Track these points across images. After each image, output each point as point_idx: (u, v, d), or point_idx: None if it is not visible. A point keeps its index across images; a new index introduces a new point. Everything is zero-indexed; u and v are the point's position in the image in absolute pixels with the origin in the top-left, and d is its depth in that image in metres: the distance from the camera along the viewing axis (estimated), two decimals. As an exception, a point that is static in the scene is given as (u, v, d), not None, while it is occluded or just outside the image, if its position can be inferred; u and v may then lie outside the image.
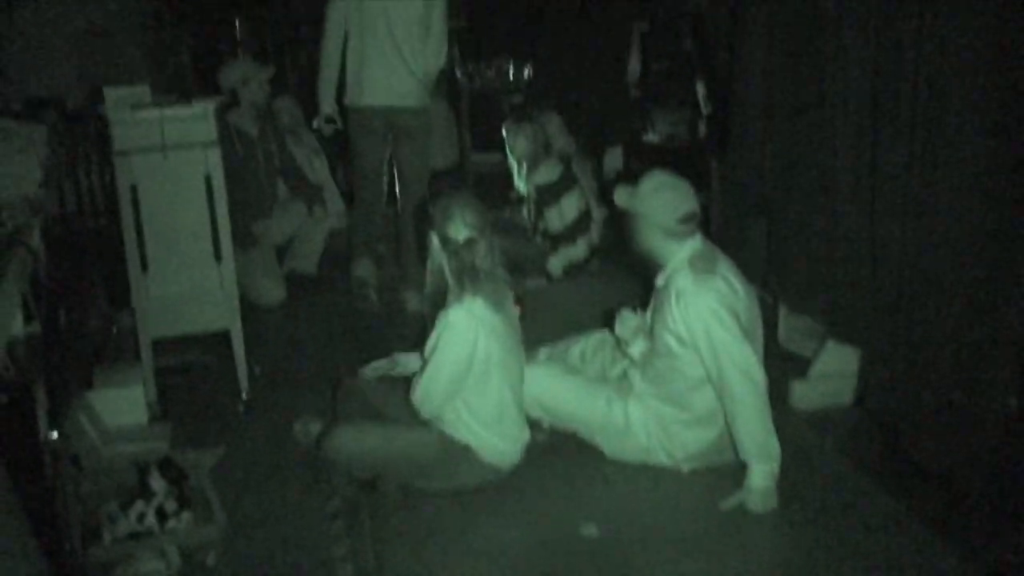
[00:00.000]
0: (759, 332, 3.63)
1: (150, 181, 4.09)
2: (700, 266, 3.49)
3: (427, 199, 3.69)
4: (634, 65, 7.73)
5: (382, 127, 5.44)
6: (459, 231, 3.44)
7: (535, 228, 6.23)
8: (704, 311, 3.41)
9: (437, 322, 3.46)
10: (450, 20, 5.70)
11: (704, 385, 3.52)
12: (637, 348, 3.71)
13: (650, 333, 3.70)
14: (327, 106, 5.46)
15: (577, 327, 4.39)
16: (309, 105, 6.08)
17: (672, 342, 3.53)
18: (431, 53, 5.34)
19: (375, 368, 3.92)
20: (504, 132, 6.33)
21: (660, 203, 3.52)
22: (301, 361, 5.00)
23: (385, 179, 5.68)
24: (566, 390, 3.83)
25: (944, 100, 3.29)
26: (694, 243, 3.56)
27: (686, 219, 3.51)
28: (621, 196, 3.65)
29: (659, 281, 3.67)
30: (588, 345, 4.12)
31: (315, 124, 5.69)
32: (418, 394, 3.47)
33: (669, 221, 3.51)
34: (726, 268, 3.56)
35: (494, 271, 3.50)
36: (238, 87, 5.80)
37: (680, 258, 3.54)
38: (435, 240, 3.52)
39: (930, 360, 3.46)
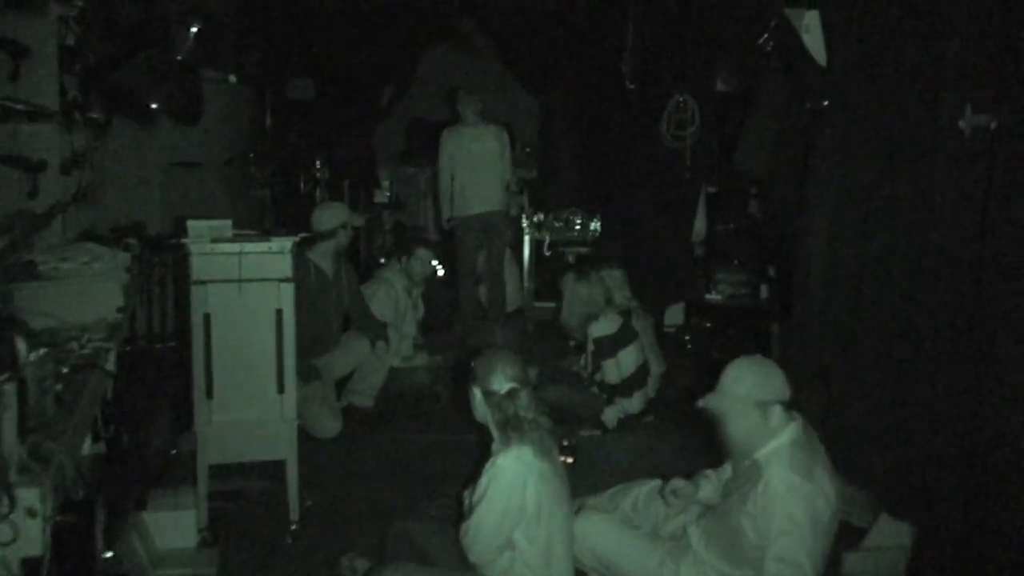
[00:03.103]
0: (835, 528, 3.43)
1: (223, 311, 4.24)
2: (798, 463, 3.31)
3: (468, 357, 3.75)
4: (700, 225, 7.85)
5: (478, 227, 7.86)
6: (501, 384, 3.50)
7: (592, 379, 6.26)
8: (787, 514, 3.23)
9: (485, 469, 3.49)
10: (522, 170, 8.85)
11: None
12: (704, 492, 3.69)
13: (722, 495, 3.64)
14: (447, 211, 7.95)
15: (629, 480, 4.37)
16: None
17: (747, 525, 3.37)
18: (506, 174, 7.98)
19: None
20: (566, 281, 6.42)
21: (752, 383, 3.42)
22: (353, 495, 5.01)
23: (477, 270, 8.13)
24: (620, 543, 3.78)
25: (1001, 286, 3.33)
26: (792, 431, 3.40)
27: (781, 398, 3.40)
28: (707, 399, 3.51)
29: (747, 461, 3.50)
30: (641, 494, 4.06)
31: (445, 224, 8.07)
32: (467, 539, 3.47)
33: (766, 397, 3.39)
34: (822, 466, 3.35)
35: (538, 420, 3.53)
36: (327, 223, 6.00)
37: (776, 446, 3.38)
38: (478, 394, 3.58)
39: (985, 544, 3.41)
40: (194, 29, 4.48)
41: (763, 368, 3.49)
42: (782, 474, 3.28)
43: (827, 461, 3.42)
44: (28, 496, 2.10)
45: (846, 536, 4.25)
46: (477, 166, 7.78)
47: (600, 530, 3.83)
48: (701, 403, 3.53)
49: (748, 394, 3.41)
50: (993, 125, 3.49)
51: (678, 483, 3.75)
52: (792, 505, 3.23)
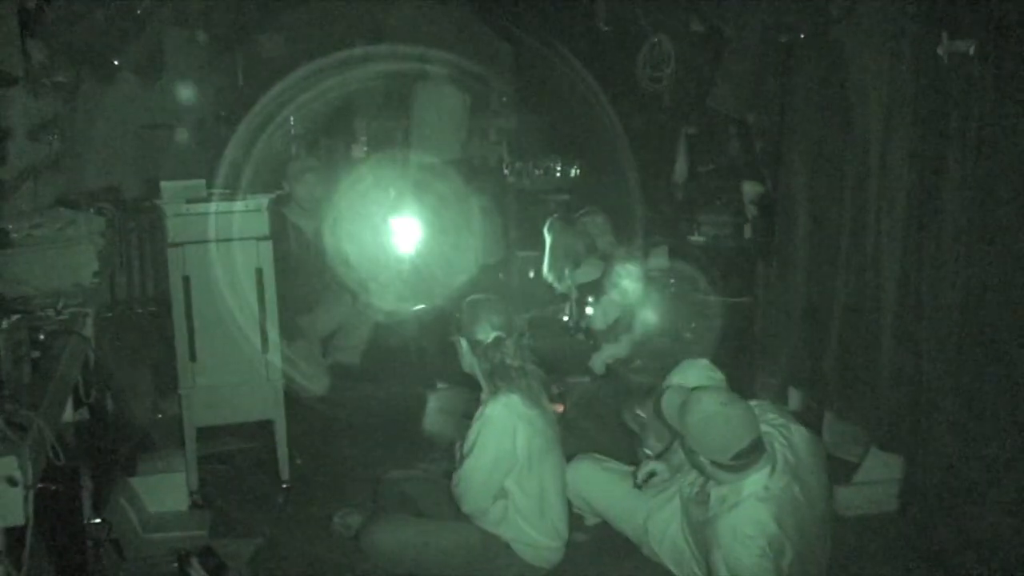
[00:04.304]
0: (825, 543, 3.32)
1: (202, 272, 4.18)
2: (753, 537, 3.03)
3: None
4: (680, 167, 7.78)
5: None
6: (487, 332, 3.49)
7: (577, 326, 6.24)
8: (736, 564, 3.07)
9: (475, 418, 3.47)
10: (500, 120, 9.09)
11: None
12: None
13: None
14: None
15: (619, 426, 4.38)
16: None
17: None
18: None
19: None
20: (547, 230, 6.38)
21: (710, 440, 3.14)
22: (343, 452, 5.01)
23: None
24: (609, 494, 3.80)
25: (986, 215, 3.31)
26: (759, 478, 3.14)
27: (743, 454, 3.11)
28: (671, 409, 3.28)
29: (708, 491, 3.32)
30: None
31: None
32: (459, 489, 3.46)
33: (721, 458, 3.13)
34: (793, 513, 3.12)
35: (525, 367, 3.51)
36: (294, 179, 5.94)
37: (742, 492, 3.14)
38: (464, 344, 3.55)
39: (973, 471, 3.41)
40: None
41: (726, 426, 3.12)
42: (730, 548, 3.07)
43: (811, 486, 3.21)
44: (5, 464, 2.07)
45: (838, 471, 4.28)
46: (441, 118, 8.46)
47: (589, 478, 3.84)
48: (667, 413, 3.31)
49: (705, 451, 3.17)
50: (971, 50, 3.44)
51: (657, 466, 3.67)
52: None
